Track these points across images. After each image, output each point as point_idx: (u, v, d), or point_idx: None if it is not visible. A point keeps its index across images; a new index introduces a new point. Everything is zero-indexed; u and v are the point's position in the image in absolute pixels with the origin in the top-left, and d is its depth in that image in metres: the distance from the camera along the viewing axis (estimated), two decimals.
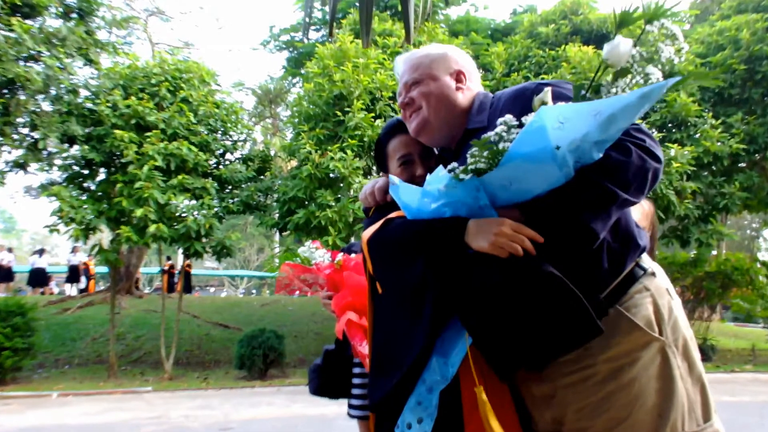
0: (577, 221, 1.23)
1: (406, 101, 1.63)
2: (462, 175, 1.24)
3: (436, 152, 1.74)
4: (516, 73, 12.27)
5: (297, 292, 2.87)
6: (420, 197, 1.32)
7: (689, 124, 11.30)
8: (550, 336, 1.22)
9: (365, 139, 9.62)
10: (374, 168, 11.24)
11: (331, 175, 9.59)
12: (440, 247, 1.29)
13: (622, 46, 1.21)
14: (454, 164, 1.26)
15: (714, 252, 15.73)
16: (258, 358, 10.22)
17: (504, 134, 1.23)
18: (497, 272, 1.22)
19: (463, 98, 1.61)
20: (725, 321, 21.01)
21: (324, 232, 9.26)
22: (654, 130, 11.13)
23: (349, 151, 9.30)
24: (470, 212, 1.28)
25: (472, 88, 1.66)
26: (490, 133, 1.23)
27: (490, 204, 1.26)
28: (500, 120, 1.23)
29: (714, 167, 11.57)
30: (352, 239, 9.73)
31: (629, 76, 1.23)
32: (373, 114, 9.87)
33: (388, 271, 1.42)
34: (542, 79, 11.01)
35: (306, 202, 9.75)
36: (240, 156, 11.73)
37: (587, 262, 1.29)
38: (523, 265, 1.21)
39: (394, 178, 1.40)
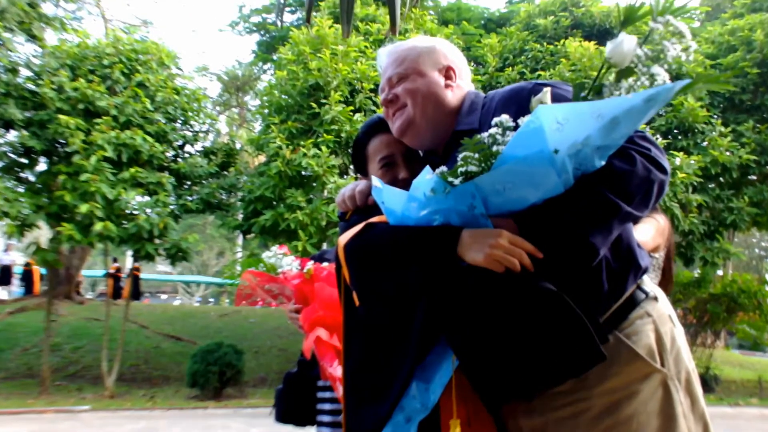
0: (575, 235, 1.25)
1: (390, 98, 1.64)
2: (452, 179, 1.26)
3: (421, 155, 1.76)
4: (510, 68, 12.40)
5: (260, 304, 2.86)
6: (406, 202, 1.33)
7: (696, 131, 11.51)
8: (547, 361, 1.24)
9: (342, 134, 9.62)
10: (352, 167, 11.27)
11: (303, 173, 9.58)
12: (430, 259, 1.30)
13: (626, 44, 1.25)
14: (443, 167, 1.28)
15: (719, 272, 16.02)
16: (213, 375, 10.13)
17: (498, 136, 1.26)
18: (492, 288, 1.24)
19: (452, 97, 1.63)
20: (730, 348, 21.35)
21: (293, 237, 9.23)
22: (658, 136, 11.33)
23: (324, 148, 9.30)
24: (463, 221, 1.30)
25: (463, 86, 1.68)
26: (483, 134, 1.26)
27: (486, 213, 1.28)
28: (495, 120, 1.25)
29: (722, 179, 11.78)
30: (325, 245, 9.71)
31: (634, 76, 1.26)
32: (351, 107, 9.88)
33: (369, 281, 1.43)
34: (539, 75, 11.22)
35: (274, 203, 9.71)
36: (201, 149, 11.65)
37: (585, 282, 1.32)
38: (520, 281, 1.23)
39: (377, 180, 1.41)
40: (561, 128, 1.18)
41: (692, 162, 10.46)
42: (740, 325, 14.82)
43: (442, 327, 1.31)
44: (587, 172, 1.28)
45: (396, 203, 1.37)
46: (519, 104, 1.43)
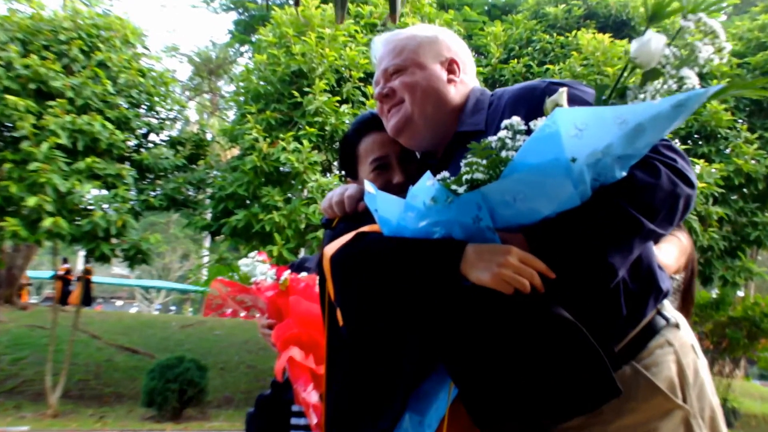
0: (592, 253, 1.26)
1: (385, 92, 1.65)
2: (455, 187, 1.26)
3: (417, 157, 1.76)
4: (516, 61, 12.44)
5: (232, 315, 2.86)
6: (403, 211, 1.33)
7: (719, 136, 11.61)
8: (557, 394, 1.24)
9: (327, 127, 9.60)
10: (336, 164, 11.26)
11: (282, 169, 9.52)
12: (428, 276, 1.30)
13: (653, 43, 1.26)
14: (445, 173, 1.28)
15: (740, 293, 16.15)
16: (172, 393, 10.06)
17: (508, 140, 1.26)
18: (498, 312, 1.24)
19: (455, 93, 1.63)
20: (750, 379, 21.55)
21: (268, 240, 9.19)
22: (677, 141, 11.42)
23: (305, 142, 9.27)
24: (467, 234, 1.30)
25: (467, 81, 1.68)
26: (492, 138, 1.26)
27: (493, 226, 1.28)
28: (505, 122, 1.26)
29: (746, 190, 11.86)
30: (302, 252, 9.69)
31: (661, 79, 1.27)
32: (338, 98, 9.86)
33: (356, 299, 1.42)
34: (547, 69, 11.29)
35: (247, 202, 9.66)
36: (167, 138, 11.58)
37: (601, 306, 1.32)
38: (529, 305, 1.23)
39: (371, 185, 1.41)
40: (580, 135, 1.19)
41: (714, 171, 10.52)
42: (762, 353, 14.92)
43: (441, 353, 1.31)
44: (606, 184, 1.29)
45: (391, 212, 1.36)
46: (530, 105, 1.44)
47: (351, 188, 1.69)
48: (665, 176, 1.30)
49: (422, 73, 1.61)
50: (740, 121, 12.21)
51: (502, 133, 1.25)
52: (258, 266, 2.64)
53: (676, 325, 1.44)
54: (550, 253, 1.27)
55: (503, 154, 1.24)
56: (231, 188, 9.62)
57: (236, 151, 11.19)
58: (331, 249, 1.48)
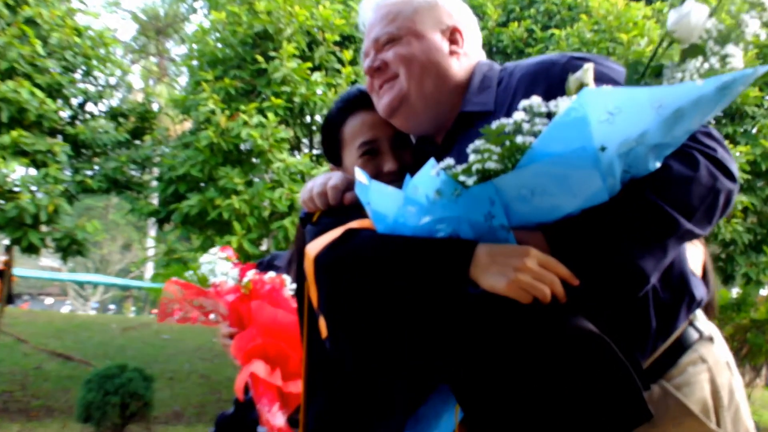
0: (621, 256, 1.26)
1: (377, 65, 1.64)
2: (464, 178, 1.25)
3: (413, 141, 1.75)
4: (516, 23, 12.46)
5: (191, 321, 2.83)
6: (402, 205, 1.33)
7: (745, 114, 11.71)
8: (580, 419, 1.24)
9: (296, 99, 9.55)
10: (305, 141, 11.23)
11: (243, 147, 9.46)
12: (432, 282, 1.29)
13: (693, 15, 1.26)
14: (450, 160, 1.27)
15: (763, 291, 16.38)
16: (113, 407, 9.98)
17: (525, 124, 1.25)
18: (513, 324, 1.24)
19: (458, 68, 1.63)
20: None
21: (226, 230, 9.15)
22: None
23: (270, 115, 9.20)
24: (477, 233, 1.30)
25: (471, 54, 1.68)
26: (506, 121, 1.25)
27: (507, 224, 1.27)
28: (524, 103, 1.25)
29: None
30: (265, 243, 9.66)
31: (701, 56, 1.28)
32: (309, 64, 9.80)
33: (346, 307, 1.41)
34: (552, 35, 11.33)
35: (202, 184, 9.59)
36: (107, 109, 11.44)
37: (627, 317, 1.33)
38: (549, 316, 1.23)
39: (362, 174, 1.40)
40: (611, 120, 1.19)
41: (738, 153, 10.64)
42: None
43: (445, 371, 1.30)
44: (637, 177, 1.29)
45: (388, 206, 1.36)
46: (549, 83, 1.44)
47: (335, 177, 1.68)
48: (704, 168, 1.31)
49: (420, 44, 1.60)
50: None
51: (518, 116, 1.24)
52: (218, 264, 2.61)
53: (710, 339, 1.45)
54: (572, 256, 1.27)
55: (519, 140, 1.24)
56: (183, 168, 9.53)
57: (189, 125, 11.10)
58: (315, 248, 1.46)
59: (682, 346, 1.40)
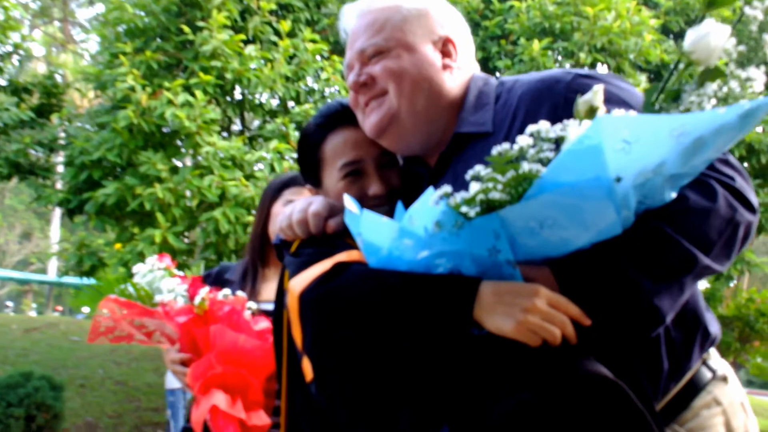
0: (635, 295, 1.30)
1: (363, 80, 1.64)
2: (466, 209, 1.26)
3: (400, 162, 1.76)
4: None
5: (125, 341, 2.79)
6: (397, 237, 1.34)
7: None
8: None
9: (227, 75, 9.44)
10: (238, 122, 11.13)
11: (166, 129, 9.33)
12: (433, 323, 1.31)
13: (713, 36, 1.30)
14: (447, 187, 1.28)
15: (732, 284, 16.80)
16: (16, 421, 9.81)
17: (531, 149, 1.27)
18: (520, 368, 1.26)
19: (452, 83, 1.64)
20: None
21: (148, 222, 9.03)
22: None
23: (198, 93, 9.08)
24: (480, 269, 1.32)
25: (464, 67, 1.69)
26: (511, 147, 1.26)
27: (514, 260, 1.29)
28: (531, 129, 1.26)
29: (747, 163, 12.34)
30: (189, 235, 9.56)
31: (721, 79, 1.32)
32: (242, 36, 9.69)
33: (336, 350, 1.43)
34: (512, 7, 11.35)
35: (120, 170, 9.43)
36: (7, 83, 11.13)
37: (639, 358, 1.37)
38: (559, 360, 1.26)
39: (352, 201, 1.41)
40: (628, 149, 1.22)
41: None
42: (754, 359, 15.61)
43: (446, 419, 1.32)
44: (652, 208, 1.32)
45: (381, 238, 1.37)
46: (553, 102, 1.46)
47: (316, 203, 1.68)
48: (723, 199, 1.34)
49: (411, 57, 1.61)
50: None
51: (523, 141, 1.26)
52: (163, 278, 2.57)
53: (724, 379, 1.50)
54: (583, 294, 1.30)
55: (525, 167, 1.25)
56: (97, 152, 9.33)
57: (103, 102, 10.87)
58: (300, 284, 1.47)
59: (695, 388, 1.44)
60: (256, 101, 10.46)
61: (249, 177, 8.83)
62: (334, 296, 1.43)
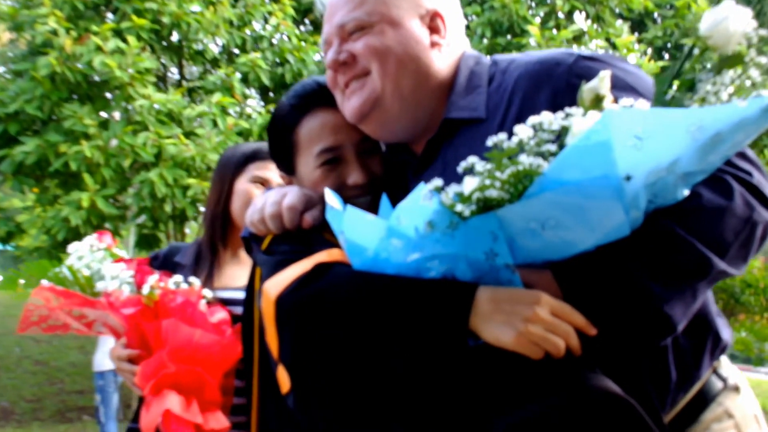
0: (645, 301, 1.31)
1: (343, 59, 1.63)
2: (461, 207, 1.26)
3: (383, 148, 1.75)
4: None
5: (61, 330, 2.75)
6: (384, 237, 1.34)
7: None
8: None
9: (164, 18, 9.31)
10: (175, 72, 10.98)
11: (95, 77, 9.18)
12: (424, 332, 1.31)
13: (732, 21, 1.30)
14: (437, 181, 1.27)
15: None
16: None
17: (531, 142, 1.27)
18: (521, 383, 1.27)
19: (440, 62, 1.63)
20: None
21: (73, 184, 8.91)
22: (649, 53, 11.87)
23: (131, 38, 8.94)
24: (476, 274, 1.32)
25: (454, 44, 1.67)
26: (506, 138, 1.26)
27: (514, 264, 1.30)
28: (533, 120, 1.26)
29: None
30: (120, 199, 9.46)
31: (740, 67, 1.32)
32: None
33: (317, 361, 1.43)
34: None
35: (41, 124, 9.28)
36: None
37: (646, 368, 1.39)
38: (562, 373, 1.27)
39: (334, 196, 1.40)
40: (639, 145, 1.22)
41: None
42: (739, 332, 15.92)
43: None
44: (662, 207, 1.33)
45: (366, 237, 1.37)
46: (553, 87, 1.46)
47: (291, 194, 1.66)
48: (739, 197, 1.35)
49: (396, 33, 1.59)
50: None
51: (522, 132, 1.25)
52: (104, 261, 2.53)
53: (736, 389, 1.52)
54: (588, 301, 1.32)
55: (523, 161, 1.24)
56: (14, 104, 9.16)
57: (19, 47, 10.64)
58: (276, 286, 1.46)
59: (705, 399, 1.46)
60: (196, 49, 10.32)
61: (188, 134, 8.75)
62: (315, 302, 1.42)
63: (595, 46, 9.66)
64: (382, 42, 1.58)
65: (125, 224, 9.82)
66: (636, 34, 11.96)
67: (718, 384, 1.49)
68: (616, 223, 1.28)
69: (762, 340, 16.00)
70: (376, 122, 1.61)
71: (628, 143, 1.21)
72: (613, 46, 9.94)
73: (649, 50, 11.89)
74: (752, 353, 17.09)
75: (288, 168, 1.80)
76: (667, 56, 12.35)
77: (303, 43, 10.42)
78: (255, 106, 10.08)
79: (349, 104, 1.62)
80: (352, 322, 1.38)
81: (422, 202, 1.28)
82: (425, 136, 1.63)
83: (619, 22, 10.97)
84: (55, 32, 9.02)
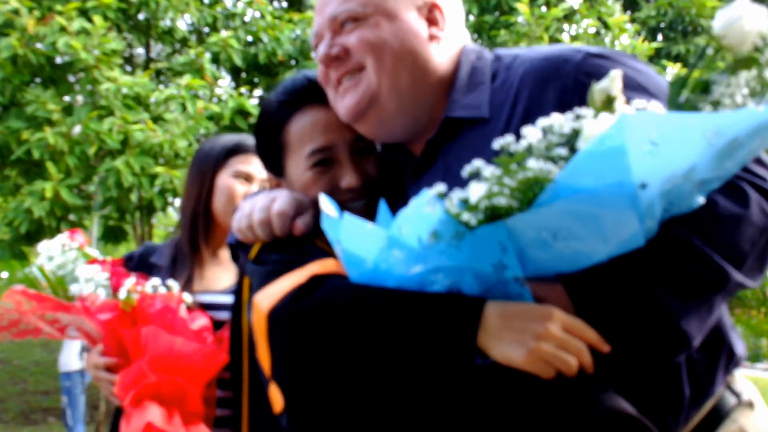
0: (660, 316, 1.31)
1: (335, 53, 1.61)
2: (467, 216, 1.25)
3: (378, 148, 1.74)
4: None
5: (33, 335, 2.74)
6: (384, 248, 1.32)
7: (701, 30, 12.17)
8: None
9: None
10: (141, 53, 10.90)
11: (59, 60, 9.11)
12: (429, 350, 1.31)
13: (747, 19, 1.29)
14: (441, 186, 1.26)
15: None
16: None
17: (541, 146, 1.26)
18: (531, 404, 1.27)
19: (439, 56, 1.61)
20: None
21: (36, 172, 8.86)
22: (643, 33, 11.89)
23: (97, 18, 8.88)
24: (484, 287, 1.31)
25: (453, 37, 1.66)
26: (514, 141, 1.25)
27: (523, 277, 1.29)
28: (543, 123, 1.25)
29: None
30: (85, 189, 9.41)
31: (755, 68, 1.31)
32: None
33: (313, 380, 1.42)
34: None
35: (3, 109, 9.21)
36: None
37: (659, 385, 1.39)
38: (574, 392, 1.26)
39: (330, 204, 1.39)
40: (654, 152, 1.21)
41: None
42: (737, 327, 16.10)
43: None
44: (677, 215, 1.33)
45: (365, 247, 1.35)
46: (561, 86, 1.45)
47: (281, 199, 1.64)
48: (756, 205, 1.35)
49: (391, 26, 1.58)
50: None
51: (532, 136, 1.25)
52: (78, 261, 2.51)
53: (750, 405, 1.52)
54: (601, 316, 1.31)
55: (531, 165, 1.23)
56: None
57: None
58: (267, 300, 1.45)
59: (719, 416, 1.46)
60: (165, 27, 10.25)
61: (156, 119, 8.69)
62: (310, 317, 1.41)
63: (587, 26, 9.68)
64: (377, 35, 1.57)
65: (89, 215, 9.76)
66: (629, 13, 11.97)
67: (731, 400, 1.49)
68: (630, 233, 1.28)
69: (758, 335, 16.14)
70: (373, 121, 1.60)
71: (643, 149, 1.20)
72: (605, 26, 9.96)
73: (643, 31, 11.91)
74: (748, 349, 17.29)
75: (276, 169, 1.78)
76: (660, 37, 12.36)
77: (277, 21, 10.33)
78: (227, 88, 9.99)
79: (343, 102, 1.60)
80: (351, 341, 1.37)
81: (425, 210, 1.26)
82: (424, 136, 1.62)
83: (611, 0, 10.96)
84: (16, 12, 8.95)
